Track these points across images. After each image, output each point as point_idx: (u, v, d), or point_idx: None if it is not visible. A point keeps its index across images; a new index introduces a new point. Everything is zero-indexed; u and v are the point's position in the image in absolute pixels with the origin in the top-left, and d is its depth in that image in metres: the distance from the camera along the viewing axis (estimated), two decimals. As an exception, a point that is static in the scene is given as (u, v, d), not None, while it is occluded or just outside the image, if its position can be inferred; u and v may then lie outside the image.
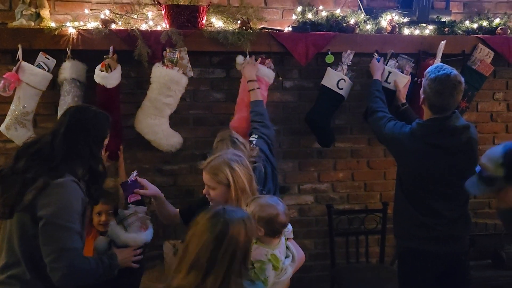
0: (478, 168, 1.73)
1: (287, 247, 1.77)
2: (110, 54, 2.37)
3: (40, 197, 1.59)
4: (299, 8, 2.76)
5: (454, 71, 2.08)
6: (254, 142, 2.35)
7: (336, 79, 2.63)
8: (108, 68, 2.34)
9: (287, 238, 1.82)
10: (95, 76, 2.36)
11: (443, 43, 2.68)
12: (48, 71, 2.40)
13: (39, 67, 2.38)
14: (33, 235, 1.59)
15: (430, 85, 2.07)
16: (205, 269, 1.34)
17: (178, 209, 2.19)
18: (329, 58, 2.64)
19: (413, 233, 2.12)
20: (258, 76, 2.58)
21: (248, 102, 2.54)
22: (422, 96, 2.14)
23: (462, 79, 2.09)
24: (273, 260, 1.66)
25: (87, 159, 1.73)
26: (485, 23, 2.90)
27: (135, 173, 2.09)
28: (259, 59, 2.62)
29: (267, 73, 2.63)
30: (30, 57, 2.38)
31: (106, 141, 1.86)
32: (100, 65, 2.36)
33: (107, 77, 2.33)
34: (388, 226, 2.93)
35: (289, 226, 1.83)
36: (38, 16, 2.44)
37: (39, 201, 1.58)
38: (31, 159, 1.67)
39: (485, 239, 2.98)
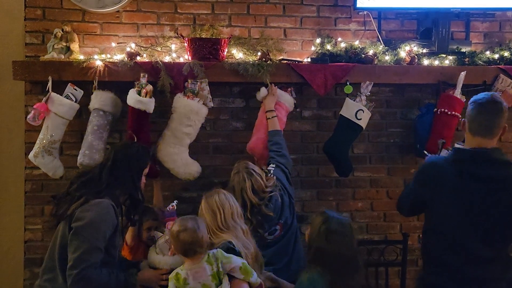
0: None
1: (220, 280, 1.79)
2: (144, 80, 2.47)
3: (78, 210, 1.86)
4: (318, 40, 2.82)
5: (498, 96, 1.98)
6: (271, 171, 2.39)
7: (354, 109, 2.64)
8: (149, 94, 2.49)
9: (234, 277, 1.82)
10: (133, 101, 2.44)
11: (463, 73, 2.67)
12: (75, 102, 2.51)
13: (67, 98, 2.49)
14: (67, 242, 1.84)
15: (474, 108, 1.92)
16: None
17: None
18: (348, 89, 2.67)
19: None
20: (279, 101, 2.63)
21: (266, 123, 2.59)
22: (463, 120, 1.99)
23: (505, 105, 1.95)
24: (175, 279, 1.80)
25: (128, 188, 2.03)
26: (506, 54, 2.87)
27: (175, 202, 2.23)
28: (281, 88, 2.67)
29: (288, 99, 2.68)
30: (59, 88, 2.50)
31: (146, 171, 2.14)
32: (135, 90, 2.46)
33: (148, 102, 2.45)
34: (409, 258, 2.89)
35: (236, 262, 1.82)
36: (68, 50, 2.56)
37: (76, 214, 1.85)
38: (82, 184, 1.98)
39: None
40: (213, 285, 1.79)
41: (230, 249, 1.91)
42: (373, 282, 2.83)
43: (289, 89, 2.71)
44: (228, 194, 2.09)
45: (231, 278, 1.84)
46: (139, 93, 2.44)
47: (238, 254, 1.91)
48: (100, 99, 2.51)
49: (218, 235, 1.93)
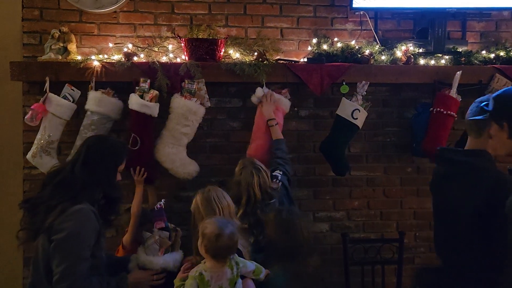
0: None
1: (234, 282, 1.79)
2: (146, 85, 2.50)
3: (57, 221, 1.75)
4: (315, 40, 2.83)
5: None
6: (279, 177, 2.43)
7: (351, 109, 2.66)
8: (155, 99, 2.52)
9: (246, 277, 1.85)
10: (138, 106, 2.47)
11: (459, 73, 2.69)
12: (73, 102, 2.52)
13: (65, 98, 2.50)
14: (50, 256, 1.75)
15: None
16: None
17: None
18: (344, 88, 2.68)
19: None
20: (277, 105, 2.65)
21: (265, 130, 2.61)
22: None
23: None
24: (199, 279, 1.76)
25: (103, 186, 1.91)
26: (502, 53, 2.89)
27: (162, 201, 2.18)
28: (276, 90, 2.68)
29: (285, 102, 2.70)
30: (56, 89, 2.51)
31: (121, 167, 2.00)
32: (136, 94, 2.50)
33: (154, 107, 2.49)
34: (406, 256, 2.91)
35: (251, 266, 1.87)
36: (65, 50, 2.58)
37: (55, 225, 1.75)
38: (55, 188, 1.85)
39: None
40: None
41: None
42: (370, 280, 2.86)
43: (285, 91, 2.71)
44: (224, 192, 2.10)
45: (242, 277, 1.87)
46: (141, 97, 2.48)
47: (240, 252, 1.94)
48: (88, 99, 2.52)
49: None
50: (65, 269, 1.71)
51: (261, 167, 2.30)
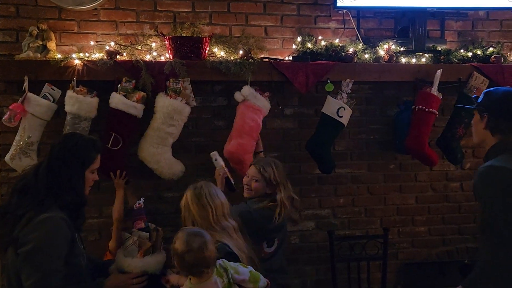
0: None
1: None
2: (130, 85, 2.46)
3: (22, 232, 1.61)
4: (299, 38, 2.84)
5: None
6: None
7: (336, 107, 2.68)
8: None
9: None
10: (125, 106, 2.42)
11: (439, 71, 2.75)
12: (53, 102, 2.44)
13: (45, 98, 2.41)
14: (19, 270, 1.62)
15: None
16: None
17: None
18: (329, 87, 2.70)
19: None
20: (258, 106, 2.62)
21: (248, 130, 2.59)
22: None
23: None
24: None
25: (67, 191, 1.73)
26: (479, 52, 2.97)
27: (141, 199, 2.09)
28: (258, 91, 2.65)
29: (265, 104, 2.67)
30: (35, 88, 2.42)
31: (94, 166, 1.83)
32: (118, 93, 2.45)
33: (140, 108, 2.46)
34: (390, 252, 2.96)
35: (243, 272, 1.76)
36: (44, 48, 2.49)
37: (21, 237, 1.61)
38: (20, 195, 1.71)
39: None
40: None
41: (228, 253, 1.84)
42: (356, 276, 2.89)
43: (266, 95, 2.69)
44: (217, 189, 2.04)
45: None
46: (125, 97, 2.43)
47: (235, 257, 1.86)
48: (69, 100, 2.41)
49: (211, 234, 1.81)
50: (34, 283, 1.57)
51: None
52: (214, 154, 2.51)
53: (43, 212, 1.64)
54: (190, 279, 1.71)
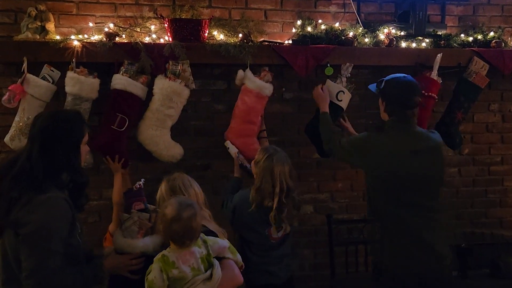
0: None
1: (209, 263, 1.75)
2: (133, 68, 2.46)
3: (22, 213, 1.58)
4: (299, 22, 2.82)
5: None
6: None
7: (335, 91, 2.67)
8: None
9: (224, 257, 1.81)
10: (134, 88, 2.44)
11: (439, 56, 2.74)
12: (52, 83, 2.44)
13: (44, 79, 2.41)
14: (19, 252, 1.59)
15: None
16: None
17: None
18: (329, 70, 2.69)
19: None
20: (249, 87, 2.57)
21: (238, 112, 2.60)
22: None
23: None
24: (161, 261, 1.71)
25: (67, 171, 1.70)
26: (479, 37, 2.97)
27: (141, 181, 2.08)
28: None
29: (261, 84, 2.59)
30: (35, 70, 2.42)
31: (85, 139, 1.77)
32: (122, 75, 2.46)
33: (145, 90, 2.48)
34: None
35: (223, 243, 1.82)
36: (43, 30, 2.48)
37: (21, 218, 1.58)
38: (14, 180, 1.64)
39: (482, 249, 3.01)
40: (203, 268, 1.73)
41: (207, 231, 1.87)
42: (353, 260, 2.91)
43: (263, 73, 2.62)
44: (193, 180, 2.05)
45: (219, 259, 1.81)
46: None
47: (215, 236, 1.90)
48: (69, 82, 2.41)
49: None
50: (34, 264, 1.55)
51: (286, 157, 2.26)
52: (227, 143, 2.54)
53: (43, 193, 1.61)
54: (169, 248, 1.76)
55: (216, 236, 1.92)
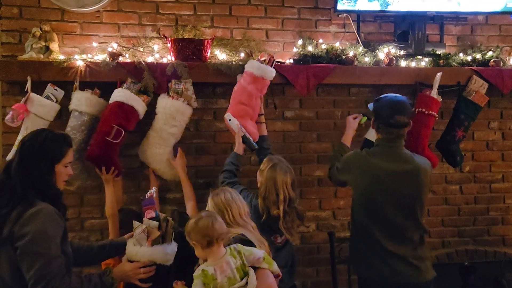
0: None
1: (245, 272, 1.76)
2: (136, 87, 2.50)
3: (16, 228, 1.62)
4: (300, 41, 2.86)
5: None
6: None
7: (371, 134, 2.69)
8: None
9: (258, 267, 1.81)
10: (135, 103, 2.45)
11: (439, 74, 2.77)
12: (56, 102, 2.46)
13: (47, 98, 2.43)
14: (18, 265, 1.62)
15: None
16: None
17: None
18: (363, 120, 2.71)
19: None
20: (249, 71, 2.52)
21: (233, 95, 2.57)
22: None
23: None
24: (203, 276, 1.72)
25: (40, 185, 1.72)
26: (478, 56, 3.00)
27: (153, 189, 2.08)
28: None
29: (256, 66, 2.51)
30: (38, 89, 2.44)
31: (66, 159, 1.80)
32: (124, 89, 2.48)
33: (144, 109, 2.51)
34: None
35: (258, 253, 1.82)
36: (47, 49, 2.51)
37: (16, 232, 1.61)
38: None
39: (485, 267, 3.00)
40: (238, 278, 1.74)
41: (245, 241, 1.89)
42: (356, 278, 2.88)
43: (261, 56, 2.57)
44: (235, 193, 2.07)
45: (255, 269, 1.81)
46: None
47: (253, 245, 1.89)
48: (75, 99, 2.46)
49: (228, 230, 1.88)
50: (38, 270, 1.58)
51: (288, 167, 2.31)
52: (228, 115, 2.51)
53: (33, 206, 1.65)
54: (206, 262, 1.78)
55: (254, 245, 1.92)
